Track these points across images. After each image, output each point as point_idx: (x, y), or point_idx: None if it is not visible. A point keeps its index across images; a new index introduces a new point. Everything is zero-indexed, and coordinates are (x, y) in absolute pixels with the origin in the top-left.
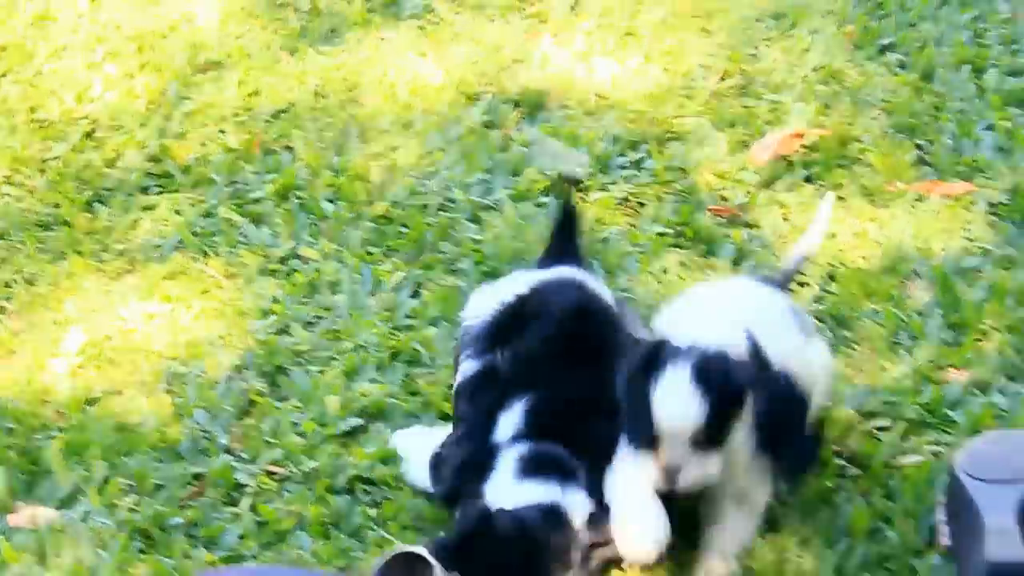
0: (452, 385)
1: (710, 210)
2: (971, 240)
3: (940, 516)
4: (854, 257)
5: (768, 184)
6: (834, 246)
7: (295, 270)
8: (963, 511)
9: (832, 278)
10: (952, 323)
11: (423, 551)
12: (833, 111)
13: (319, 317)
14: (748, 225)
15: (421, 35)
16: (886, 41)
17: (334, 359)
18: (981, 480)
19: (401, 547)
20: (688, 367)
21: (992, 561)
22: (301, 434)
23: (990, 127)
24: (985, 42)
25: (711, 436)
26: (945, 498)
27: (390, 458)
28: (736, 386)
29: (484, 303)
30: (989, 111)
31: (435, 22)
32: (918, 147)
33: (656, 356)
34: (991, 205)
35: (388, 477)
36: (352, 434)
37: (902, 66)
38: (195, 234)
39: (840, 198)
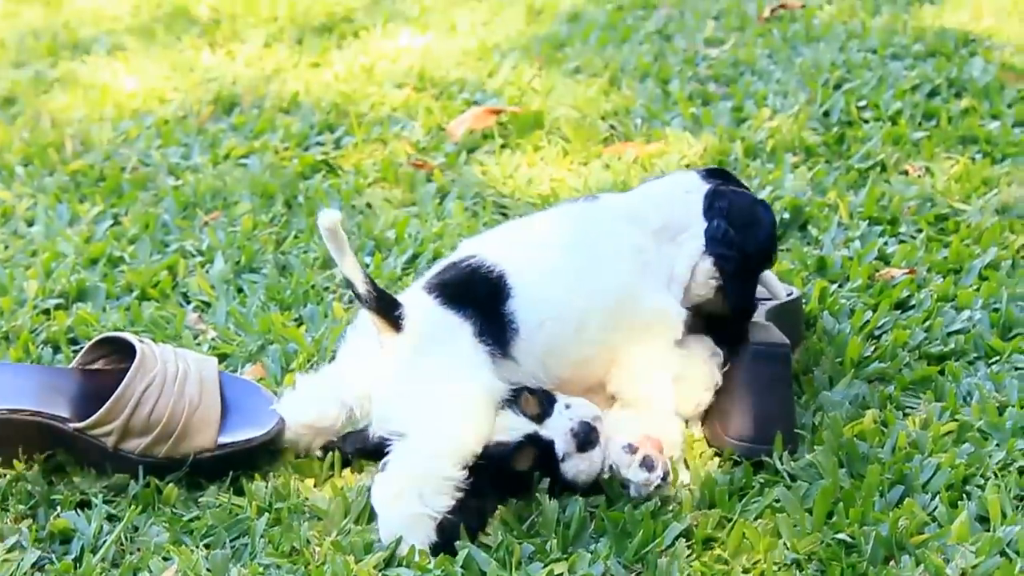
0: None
1: (411, 164)
2: None
3: None
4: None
5: (467, 151)
6: (530, 191)
7: None
8: None
9: None
10: None
11: (130, 336)
12: (526, 104)
13: (13, 244)
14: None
15: (111, 60)
16: (571, 65)
17: (31, 267)
18: None
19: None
20: None
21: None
22: None
23: (677, 116)
24: (668, 63)
25: None
26: None
27: (93, 322)
28: None
29: None
30: (674, 106)
31: (124, 48)
32: (611, 127)
33: None
34: (683, 160)
35: (92, 333)
36: (52, 310)
37: (592, 75)
38: None
39: (541, 158)
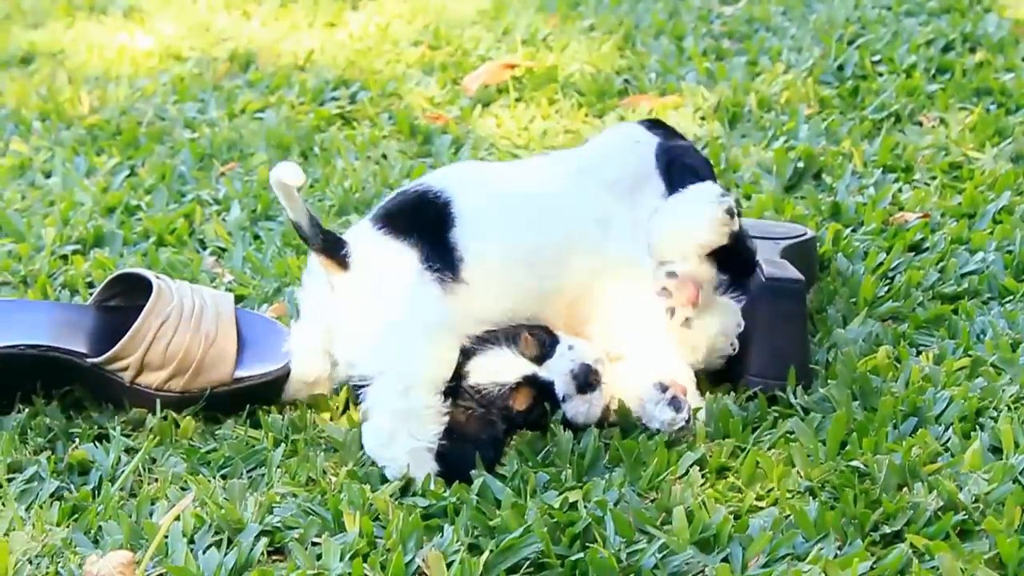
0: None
1: (426, 116)
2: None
3: None
4: None
5: (482, 104)
6: (545, 143)
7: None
8: None
9: None
10: None
11: (146, 272)
12: (541, 60)
13: (30, 194)
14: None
15: (127, 21)
16: (586, 23)
17: (48, 215)
18: None
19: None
20: None
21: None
22: (16, 257)
23: (692, 71)
24: (683, 20)
25: None
26: None
27: (110, 267)
28: None
29: None
30: (689, 61)
31: (140, 10)
32: (626, 81)
33: None
34: (698, 112)
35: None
36: (70, 255)
37: (607, 33)
38: None
39: (556, 111)
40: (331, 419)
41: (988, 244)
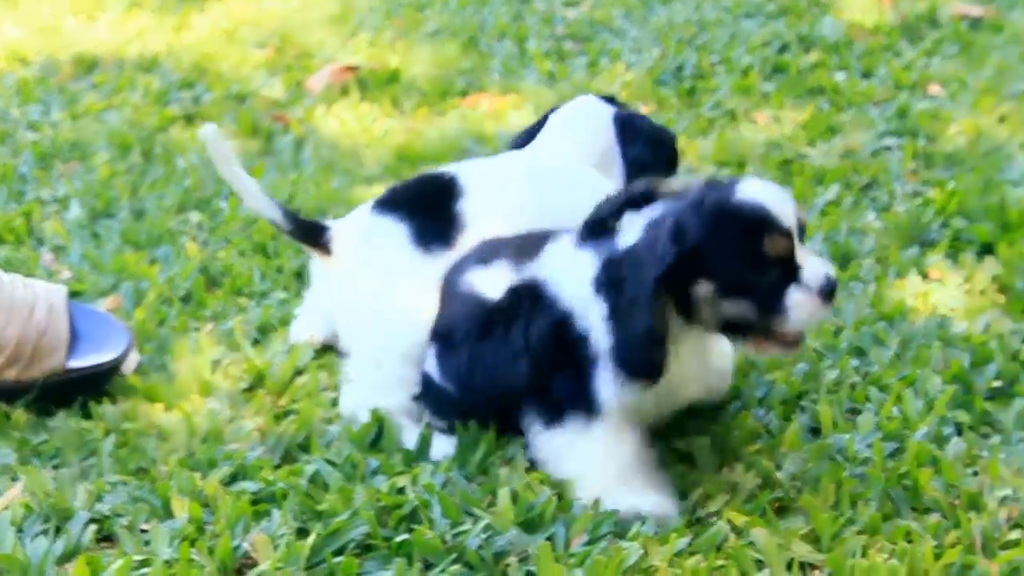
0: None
1: (271, 117)
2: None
3: None
4: (412, 153)
5: (326, 105)
6: (386, 142)
7: None
8: None
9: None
10: None
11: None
12: (385, 61)
13: None
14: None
15: None
16: (431, 27)
17: None
18: None
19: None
20: None
21: None
22: None
23: (533, 71)
24: (526, 23)
25: None
26: None
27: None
28: None
29: None
30: (531, 62)
31: None
32: (468, 82)
33: None
34: (538, 111)
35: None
36: None
37: (451, 36)
38: None
39: (399, 111)
40: (165, 410)
41: (816, 235)
